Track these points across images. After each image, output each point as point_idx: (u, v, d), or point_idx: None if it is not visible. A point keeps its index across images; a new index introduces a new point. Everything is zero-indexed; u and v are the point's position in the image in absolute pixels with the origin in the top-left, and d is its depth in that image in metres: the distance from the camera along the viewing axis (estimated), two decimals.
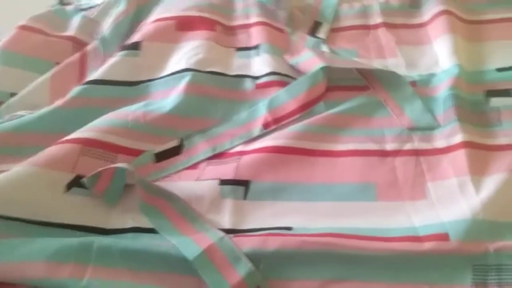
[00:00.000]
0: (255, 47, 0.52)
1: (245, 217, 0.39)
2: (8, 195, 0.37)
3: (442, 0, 0.54)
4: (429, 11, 0.54)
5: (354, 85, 0.48)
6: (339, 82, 0.48)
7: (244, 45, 0.53)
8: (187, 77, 0.47)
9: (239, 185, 0.40)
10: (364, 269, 0.35)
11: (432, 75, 0.48)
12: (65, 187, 0.39)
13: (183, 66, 0.48)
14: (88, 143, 0.41)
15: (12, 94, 0.49)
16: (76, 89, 0.47)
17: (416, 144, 0.43)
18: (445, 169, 0.40)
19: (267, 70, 0.49)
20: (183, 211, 0.39)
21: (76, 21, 0.56)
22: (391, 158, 0.42)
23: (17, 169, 0.38)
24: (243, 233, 0.37)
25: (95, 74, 0.48)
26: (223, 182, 0.40)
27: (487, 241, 0.35)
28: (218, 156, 0.43)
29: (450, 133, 0.43)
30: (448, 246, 0.35)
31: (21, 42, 0.53)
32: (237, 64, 0.51)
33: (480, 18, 0.54)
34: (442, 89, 0.46)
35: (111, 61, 0.50)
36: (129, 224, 0.38)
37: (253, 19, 0.56)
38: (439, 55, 0.50)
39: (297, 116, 0.45)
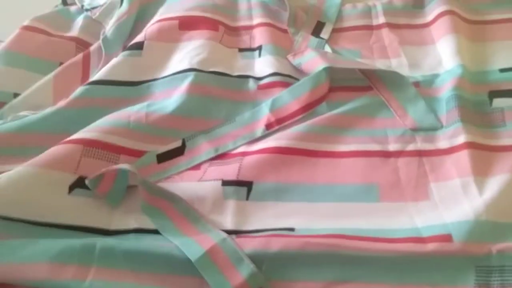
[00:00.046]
0: (258, 48, 0.52)
1: (247, 218, 0.39)
2: (11, 196, 0.37)
3: (446, 0, 0.54)
4: (432, 11, 0.54)
5: (357, 86, 0.48)
6: (342, 83, 0.48)
7: (247, 46, 0.53)
8: (189, 77, 0.47)
9: (242, 186, 0.40)
10: (367, 270, 0.35)
11: (435, 76, 0.48)
12: (68, 188, 0.39)
13: (186, 65, 0.48)
14: (90, 144, 0.41)
15: (16, 95, 0.49)
16: (79, 90, 0.47)
17: (419, 144, 0.43)
18: (448, 170, 0.40)
19: (270, 70, 0.49)
20: (186, 212, 0.39)
21: (79, 21, 0.56)
22: (394, 158, 0.42)
23: (20, 170, 0.38)
24: (246, 234, 0.37)
25: (98, 75, 0.48)
26: (226, 183, 0.40)
27: (490, 242, 0.35)
28: (220, 156, 0.43)
29: (453, 134, 0.42)
30: (451, 247, 0.35)
31: (25, 42, 0.53)
32: (240, 65, 0.51)
33: (484, 18, 0.54)
34: (445, 90, 0.46)
35: (114, 61, 0.50)
36: (132, 225, 0.38)
37: (256, 20, 0.55)
38: (442, 56, 0.50)
39: (300, 116, 0.45)
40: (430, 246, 0.35)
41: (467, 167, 0.39)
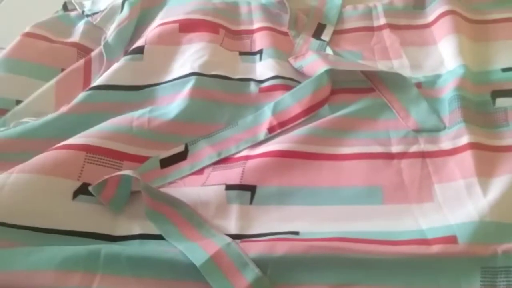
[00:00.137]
0: (259, 52, 0.52)
1: (251, 222, 0.39)
2: (15, 204, 0.37)
3: (447, 0, 0.54)
4: (433, 11, 0.54)
5: (359, 88, 0.48)
6: (344, 85, 0.48)
7: (247, 50, 0.53)
8: (191, 82, 0.47)
9: (245, 190, 0.40)
10: (372, 273, 0.35)
11: (437, 76, 0.48)
12: (71, 194, 0.39)
13: (187, 70, 0.48)
14: (93, 151, 0.41)
15: (18, 102, 0.49)
16: (81, 95, 0.47)
17: (422, 146, 0.43)
18: (452, 171, 0.40)
19: (271, 74, 0.49)
20: (189, 217, 0.39)
21: (80, 27, 0.56)
22: (397, 160, 0.42)
23: (23, 177, 0.39)
24: (250, 238, 0.37)
25: (99, 80, 0.49)
26: (229, 187, 0.40)
27: (495, 243, 0.35)
28: (223, 161, 0.43)
29: (456, 135, 0.42)
30: (456, 249, 0.35)
31: (26, 49, 0.53)
32: (241, 68, 0.51)
33: (486, 18, 0.54)
34: (447, 90, 0.46)
35: (115, 66, 0.50)
36: (136, 230, 0.38)
37: (257, 24, 0.55)
38: (444, 56, 0.50)
39: (302, 119, 0.45)
40: (435, 248, 0.35)
41: (471, 168, 0.39)
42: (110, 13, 0.57)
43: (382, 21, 0.55)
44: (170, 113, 0.45)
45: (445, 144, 0.42)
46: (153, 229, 0.38)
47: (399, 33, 0.53)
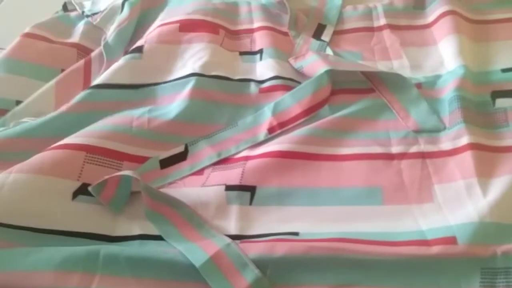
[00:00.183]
0: (259, 52, 0.52)
1: (251, 223, 0.39)
2: (14, 204, 0.37)
3: (447, 0, 0.54)
4: (433, 12, 0.54)
5: (359, 88, 0.48)
6: (344, 85, 0.48)
7: (247, 50, 0.53)
8: (191, 82, 0.47)
9: (245, 190, 0.40)
10: (371, 274, 0.35)
11: (437, 77, 0.48)
12: (71, 195, 0.39)
13: (188, 70, 0.48)
14: (92, 151, 0.41)
15: (18, 102, 0.49)
16: (80, 94, 0.47)
17: (422, 146, 0.43)
18: (452, 172, 0.40)
19: (271, 74, 0.49)
20: (189, 218, 0.39)
21: (80, 27, 0.56)
22: (397, 161, 0.42)
23: (22, 177, 0.39)
24: (250, 239, 0.37)
25: (99, 79, 0.49)
26: (229, 187, 0.40)
27: (495, 244, 0.35)
28: (223, 161, 0.43)
29: (456, 135, 0.42)
30: (455, 249, 0.35)
31: (26, 49, 0.53)
32: (241, 68, 0.51)
33: (486, 18, 0.54)
34: (447, 91, 0.46)
35: (115, 65, 0.50)
36: (136, 231, 0.38)
37: (257, 23, 0.55)
38: (444, 56, 0.50)
39: (302, 120, 0.45)
40: (435, 249, 0.35)
41: (471, 169, 0.39)
42: (110, 14, 0.57)
43: (382, 21, 0.55)
44: (170, 113, 0.45)
45: (445, 144, 0.42)
46: (152, 230, 0.38)
47: (399, 33, 0.53)
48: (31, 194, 0.38)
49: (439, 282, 0.34)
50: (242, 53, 0.52)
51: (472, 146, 0.41)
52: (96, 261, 0.35)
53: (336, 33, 0.54)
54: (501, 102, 0.45)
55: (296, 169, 0.42)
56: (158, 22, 0.55)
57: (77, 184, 0.40)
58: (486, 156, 0.41)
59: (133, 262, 0.35)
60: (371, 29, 0.54)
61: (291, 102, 0.46)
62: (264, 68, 0.50)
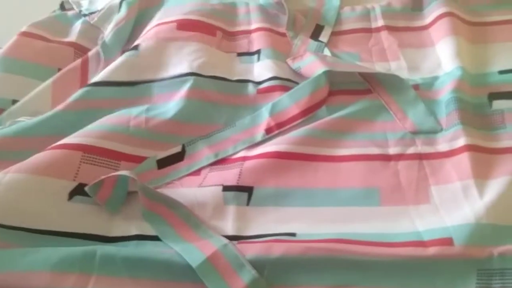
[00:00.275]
0: (257, 52, 0.52)
1: (248, 223, 0.39)
2: (10, 205, 0.37)
3: (445, 2, 0.54)
4: (431, 13, 0.54)
5: (357, 89, 0.48)
6: (341, 86, 0.48)
7: (245, 51, 0.53)
8: (189, 82, 0.47)
9: (242, 191, 0.40)
10: (368, 274, 0.35)
11: (435, 78, 0.48)
12: (67, 195, 0.39)
13: (185, 69, 0.48)
14: (89, 150, 0.41)
15: (14, 101, 0.49)
16: (77, 92, 0.47)
17: (419, 147, 0.43)
18: (449, 173, 0.40)
19: (269, 75, 0.49)
20: (186, 218, 0.39)
21: (77, 26, 0.56)
22: (394, 162, 0.42)
23: (18, 177, 0.38)
24: (247, 240, 0.37)
25: (96, 77, 0.48)
26: (226, 188, 0.40)
27: (491, 245, 0.35)
28: (221, 161, 0.43)
29: (453, 137, 0.42)
30: (452, 251, 0.35)
31: (23, 48, 0.53)
32: (238, 69, 0.51)
33: (484, 20, 0.54)
34: (445, 92, 0.46)
35: (112, 64, 0.50)
36: (133, 231, 0.38)
37: (255, 24, 0.55)
38: (441, 58, 0.50)
39: (300, 121, 0.45)
40: (431, 250, 0.35)
41: (468, 170, 0.39)
42: (108, 13, 0.57)
43: (380, 22, 0.55)
44: (167, 113, 0.45)
45: (442, 146, 0.42)
46: (149, 230, 0.38)
47: (397, 34, 0.53)
48: (27, 194, 0.38)
49: (436, 283, 0.34)
50: (239, 54, 0.52)
51: (469, 148, 0.41)
52: (92, 261, 0.34)
53: (334, 34, 0.55)
54: (498, 104, 0.45)
55: (293, 169, 0.42)
56: (155, 21, 0.55)
57: (73, 184, 0.40)
58: (483, 158, 0.41)
59: (130, 262, 0.35)
60: (369, 30, 0.54)
61: (289, 102, 0.46)
62: (261, 69, 0.50)
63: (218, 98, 0.47)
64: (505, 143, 0.42)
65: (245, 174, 0.41)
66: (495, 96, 0.46)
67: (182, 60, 0.49)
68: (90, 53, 0.53)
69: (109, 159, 0.42)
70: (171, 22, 0.53)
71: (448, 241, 0.35)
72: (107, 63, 0.51)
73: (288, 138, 0.44)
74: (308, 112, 0.46)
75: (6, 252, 0.35)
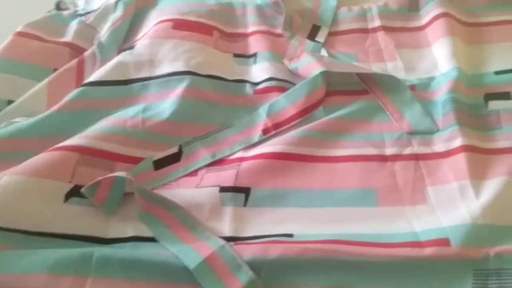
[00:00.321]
0: (253, 56, 0.52)
1: (245, 224, 0.39)
2: (7, 206, 0.37)
3: (441, 2, 0.54)
4: (427, 14, 0.54)
5: (353, 90, 0.48)
6: (338, 87, 0.48)
7: (241, 53, 0.53)
8: (186, 81, 0.47)
9: (239, 192, 0.40)
10: (365, 275, 0.35)
11: (431, 79, 0.48)
12: (64, 197, 0.39)
13: (182, 67, 0.48)
14: (85, 152, 0.41)
15: (10, 102, 0.49)
16: (73, 92, 0.46)
17: (415, 148, 0.43)
18: (445, 173, 0.41)
19: (266, 76, 0.49)
20: (183, 219, 0.38)
21: (73, 26, 0.56)
22: (391, 162, 0.42)
23: (15, 179, 0.38)
24: (244, 241, 0.37)
25: (92, 76, 0.48)
26: (223, 189, 0.40)
27: (488, 245, 0.35)
28: (218, 162, 0.43)
29: (449, 137, 0.43)
30: (448, 251, 0.35)
31: (18, 48, 0.53)
32: (235, 70, 0.50)
33: (480, 21, 0.54)
34: (441, 93, 0.46)
35: (108, 63, 0.49)
36: (129, 233, 0.38)
37: (252, 27, 0.55)
38: (438, 58, 0.50)
39: (297, 121, 0.45)
40: (428, 251, 0.35)
41: (464, 170, 0.40)
42: (104, 13, 0.56)
43: (377, 23, 0.55)
44: (164, 113, 0.45)
45: (439, 146, 0.43)
46: (146, 232, 0.38)
47: (393, 35, 0.53)
48: (23, 196, 0.38)
49: (432, 283, 0.34)
50: (236, 55, 0.52)
51: (465, 148, 0.41)
52: (89, 263, 0.34)
53: (330, 34, 0.54)
54: (494, 104, 0.45)
55: (290, 170, 0.42)
56: (151, 21, 0.55)
57: (69, 186, 0.40)
58: (479, 158, 0.41)
59: (126, 264, 0.35)
60: (365, 31, 0.54)
61: (286, 103, 0.46)
62: (258, 71, 0.50)
63: (215, 97, 0.47)
64: (501, 143, 0.42)
65: (242, 175, 0.41)
66: (491, 96, 0.46)
67: (178, 57, 0.49)
68: (86, 53, 0.53)
69: (105, 160, 0.42)
70: (167, 21, 0.53)
71: (444, 242, 0.35)
72: (103, 63, 0.51)
73: (285, 138, 0.44)
74: (305, 113, 0.46)
75: (3, 254, 0.35)
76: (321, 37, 0.54)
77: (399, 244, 0.36)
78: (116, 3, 0.56)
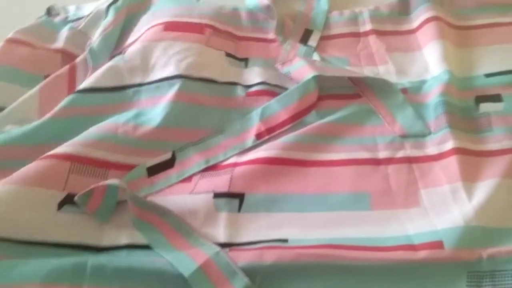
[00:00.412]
0: (244, 60, 0.52)
1: (240, 230, 0.39)
2: (0, 216, 0.37)
3: (431, 6, 0.54)
4: (418, 17, 0.54)
5: (346, 94, 0.48)
6: (331, 91, 0.48)
7: (233, 53, 0.52)
8: (176, 85, 0.46)
9: (234, 197, 0.40)
10: (360, 279, 0.35)
11: (422, 82, 0.48)
12: (57, 205, 0.39)
13: (173, 71, 0.47)
14: (77, 160, 0.41)
15: (0, 109, 0.49)
16: (66, 99, 0.46)
17: (408, 151, 0.43)
18: (438, 176, 0.41)
19: (258, 80, 0.49)
20: (177, 226, 0.38)
21: (64, 33, 0.55)
22: (384, 166, 0.42)
23: (7, 188, 0.38)
24: (239, 247, 0.37)
25: (84, 83, 0.48)
26: (217, 195, 0.40)
27: (481, 247, 0.35)
28: (211, 168, 0.43)
29: (441, 140, 0.43)
30: (442, 254, 0.35)
31: (9, 55, 0.52)
32: (227, 71, 0.50)
33: (469, 24, 0.54)
34: (432, 96, 0.46)
35: (99, 70, 0.49)
36: (124, 240, 0.38)
37: (243, 32, 0.55)
38: (429, 62, 0.50)
39: (289, 126, 0.45)
40: (422, 254, 0.35)
41: (456, 173, 0.40)
42: (95, 18, 0.56)
43: (368, 27, 0.55)
44: (155, 119, 0.45)
45: (431, 149, 0.43)
46: (140, 239, 0.38)
47: (384, 39, 0.54)
48: (16, 205, 0.37)
49: (426, 286, 0.35)
50: (228, 55, 0.52)
51: (457, 151, 0.41)
52: (83, 272, 0.34)
53: (322, 38, 0.54)
54: (484, 107, 0.46)
55: (284, 175, 0.42)
56: (143, 26, 0.55)
57: (62, 195, 0.39)
58: (471, 161, 0.41)
59: (121, 272, 0.34)
60: (357, 35, 0.55)
61: (278, 107, 0.46)
62: (250, 74, 0.50)
63: (207, 101, 0.47)
64: (492, 145, 0.43)
65: (236, 180, 0.41)
66: (481, 99, 0.46)
67: (169, 61, 0.49)
68: (77, 60, 0.52)
69: (97, 168, 0.41)
70: (159, 24, 0.53)
71: (438, 245, 0.36)
72: (95, 69, 0.51)
73: (278, 143, 0.44)
74: (298, 117, 0.46)
75: None
76: (313, 41, 0.54)
77: (393, 247, 0.36)
78: (107, 9, 0.56)
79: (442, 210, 0.38)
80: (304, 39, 0.54)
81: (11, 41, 0.53)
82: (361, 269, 0.35)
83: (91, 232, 0.38)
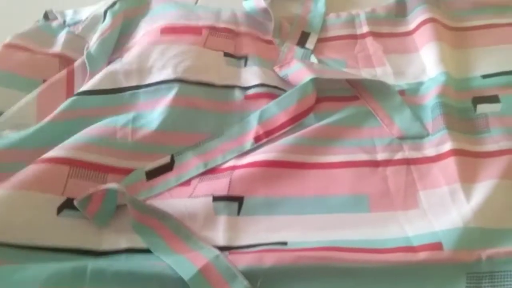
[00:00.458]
0: (243, 58, 0.52)
1: (239, 233, 0.39)
2: (0, 221, 0.37)
3: (428, 8, 0.54)
4: (414, 19, 0.55)
5: (344, 96, 0.48)
6: (329, 93, 0.48)
7: (231, 52, 0.52)
8: (174, 89, 0.46)
9: (233, 201, 0.40)
10: (359, 281, 0.35)
11: (420, 84, 0.49)
12: (56, 210, 0.39)
13: (170, 74, 0.47)
14: (76, 164, 0.41)
15: None
16: (65, 103, 0.46)
17: (406, 153, 0.43)
18: (436, 178, 0.41)
19: (256, 81, 0.49)
20: (177, 230, 0.38)
21: (62, 37, 0.55)
22: (382, 168, 0.42)
23: (6, 193, 0.38)
24: (238, 250, 0.37)
25: (83, 87, 0.48)
26: (216, 198, 0.40)
27: (480, 248, 0.35)
28: (210, 171, 0.43)
29: (439, 141, 0.43)
30: (441, 255, 0.35)
31: (6, 60, 0.52)
32: (225, 72, 0.50)
33: (465, 25, 0.54)
34: (430, 97, 0.46)
35: (98, 74, 0.49)
36: (123, 244, 0.38)
37: (242, 28, 0.55)
38: (426, 63, 0.50)
39: (288, 128, 0.45)
40: (421, 255, 0.35)
41: (454, 174, 0.40)
42: (93, 23, 0.56)
43: (365, 29, 0.55)
44: (153, 123, 0.45)
45: (429, 151, 0.43)
46: (140, 243, 0.38)
47: (381, 40, 0.54)
48: (16, 209, 0.37)
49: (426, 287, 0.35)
50: (226, 55, 0.52)
51: (455, 152, 0.41)
52: (83, 276, 0.34)
53: (319, 40, 0.55)
54: (482, 108, 0.46)
55: (283, 178, 0.42)
56: (141, 31, 0.55)
57: (61, 199, 0.39)
58: (469, 162, 0.41)
59: (121, 277, 0.34)
60: (354, 37, 0.55)
61: (277, 110, 0.46)
62: (249, 74, 0.50)
63: (204, 105, 0.47)
64: (489, 146, 0.43)
65: (235, 183, 0.41)
66: (479, 100, 0.47)
67: (167, 64, 0.49)
68: (75, 64, 0.52)
69: (96, 172, 0.41)
70: (156, 28, 0.53)
71: (437, 246, 0.36)
72: (93, 74, 0.51)
73: (277, 146, 0.44)
74: (296, 120, 0.46)
75: None
76: (310, 43, 0.54)
77: (392, 249, 0.36)
78: (105, 13, 0.56)
79: (441, 211, 0.38)
80: (302, 42, 0.54)
81: (9, 46, 0.53)
82: (360, 271, 0.35)
83: (90, 236, 0.38)
